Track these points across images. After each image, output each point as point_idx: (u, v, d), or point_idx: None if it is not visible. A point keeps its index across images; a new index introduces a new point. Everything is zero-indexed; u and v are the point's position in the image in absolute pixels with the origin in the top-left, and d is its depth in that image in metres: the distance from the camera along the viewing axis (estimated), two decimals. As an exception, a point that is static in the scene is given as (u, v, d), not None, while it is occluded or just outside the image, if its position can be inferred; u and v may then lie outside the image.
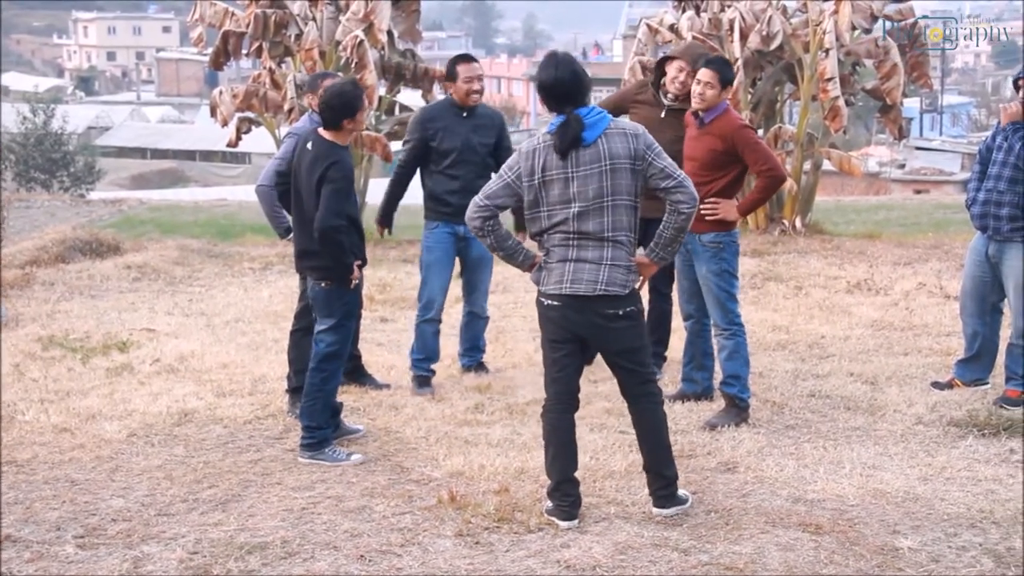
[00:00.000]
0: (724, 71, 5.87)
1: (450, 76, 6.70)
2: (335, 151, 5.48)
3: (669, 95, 6.57)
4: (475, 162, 6.71)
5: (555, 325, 4.63)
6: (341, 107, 5.46)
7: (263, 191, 6.33)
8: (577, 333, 4.61)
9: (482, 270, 6.98)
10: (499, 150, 6.79)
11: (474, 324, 7.18)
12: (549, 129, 4.54)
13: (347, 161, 5.51)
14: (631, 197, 4.53)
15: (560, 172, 4.50)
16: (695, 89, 5.89)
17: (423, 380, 6.85)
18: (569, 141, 4.45)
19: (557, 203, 4.52)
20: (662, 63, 6.66)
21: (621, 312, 4.56)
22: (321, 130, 5.55)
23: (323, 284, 5.64)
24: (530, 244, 4.76)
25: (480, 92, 6.70)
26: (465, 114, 6.70)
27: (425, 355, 6.89)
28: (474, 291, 7.06)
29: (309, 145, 5.57)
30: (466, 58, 6.81)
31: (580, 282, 4.52)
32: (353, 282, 5.61)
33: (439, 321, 6.93)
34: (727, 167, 5.93)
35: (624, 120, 4.61)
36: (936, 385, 6.71)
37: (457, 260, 6.96)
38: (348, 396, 6.48)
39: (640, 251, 4.68)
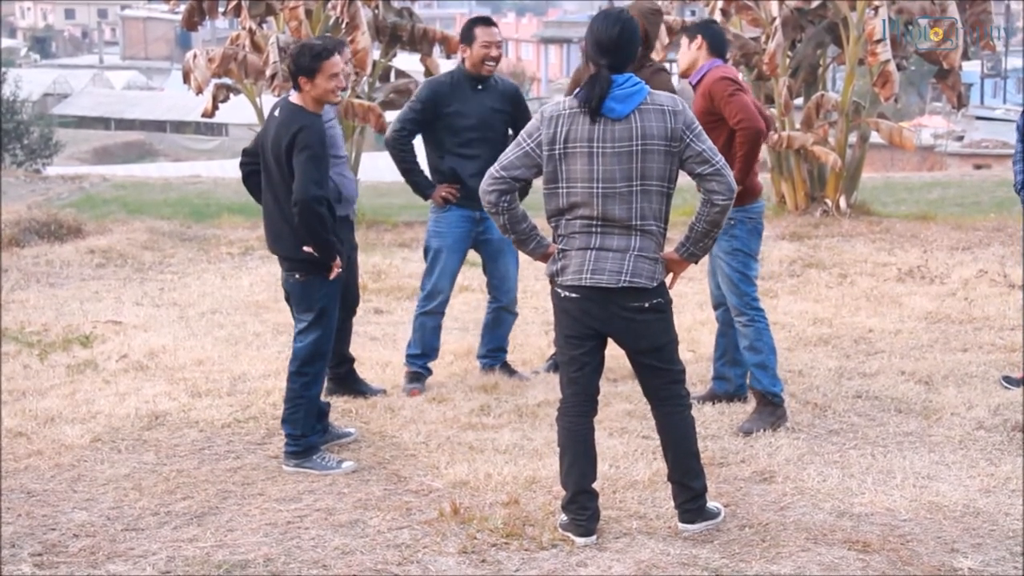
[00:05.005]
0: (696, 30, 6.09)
1: (466, 39, 6.71)
2: (301, 116, 5.46)
3: None
4: (493, 140, 6.69)
5: (573, 319, 4.62)
6: (297, 62, 5.44)
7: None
8: (598, 328, 4.62)
9: (508, 255, 6.92)
10: (518, 125, 6.81)
11: (502, 322, 7.10)
12: (576, 93, 4.52)
13: (317, 126, 5.48)
14: (663, 182, 4.51)
15: (585, 145, 4.48)
16: None
17: (415, 376, 6.87)
18: (597, 98, 4.44)
19: (578, 180, 4.49)
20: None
21: (647, 305, 4.56)
22: (291, 95, 5.58)
23: (297, 276, 5.63)
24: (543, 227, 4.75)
25: (496, 60, 6.74)
26: (480, 86, 6.72)
27: (422, 351, 6.89)
28: (503, 282, 6.99)
29: (277, 112, 5.58)
30: (486, 21, 6.85)
31: (602, 272, 4.51)
32: (336, 271, 5.59)
33: (442, 314, 6.94)
34: (715, 129, 5.83)
35: (663, 94, 4.58)
36: (1007, 381, 6.70)
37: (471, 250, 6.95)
38: (338, 395, 6.50)
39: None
